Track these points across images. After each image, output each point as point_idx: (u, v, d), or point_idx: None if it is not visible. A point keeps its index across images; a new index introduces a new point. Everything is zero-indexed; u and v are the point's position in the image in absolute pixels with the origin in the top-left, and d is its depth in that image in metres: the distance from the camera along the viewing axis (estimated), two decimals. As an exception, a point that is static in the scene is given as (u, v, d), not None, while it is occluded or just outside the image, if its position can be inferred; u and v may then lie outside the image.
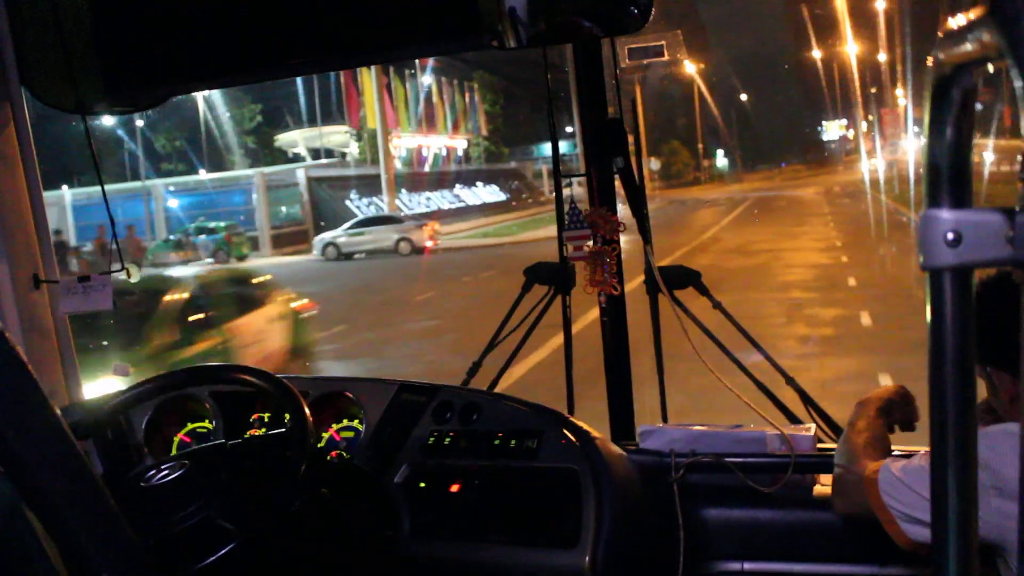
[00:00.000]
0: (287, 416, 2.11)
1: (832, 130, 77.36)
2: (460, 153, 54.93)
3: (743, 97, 79.02)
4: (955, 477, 0.68)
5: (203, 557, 1.64)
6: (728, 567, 2.19)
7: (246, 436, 2.37)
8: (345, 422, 2.36)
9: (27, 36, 2.37)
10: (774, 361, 2.55)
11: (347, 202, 41.18)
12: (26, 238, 2.46)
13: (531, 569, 1.94)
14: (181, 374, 2.19)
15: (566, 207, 2.43)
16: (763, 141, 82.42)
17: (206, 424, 2.42)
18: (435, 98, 50.56)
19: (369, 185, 42.08)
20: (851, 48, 53.31)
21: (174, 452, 2.40)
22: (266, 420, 2.39)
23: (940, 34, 0.67)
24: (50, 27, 2.35)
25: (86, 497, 1.10)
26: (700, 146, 72.05)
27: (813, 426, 2.28)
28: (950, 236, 0.64)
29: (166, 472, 1.86)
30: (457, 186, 49.63)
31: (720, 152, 78.25)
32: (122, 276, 2.55)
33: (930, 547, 0.70)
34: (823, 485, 2.21)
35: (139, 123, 39.97)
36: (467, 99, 54.26)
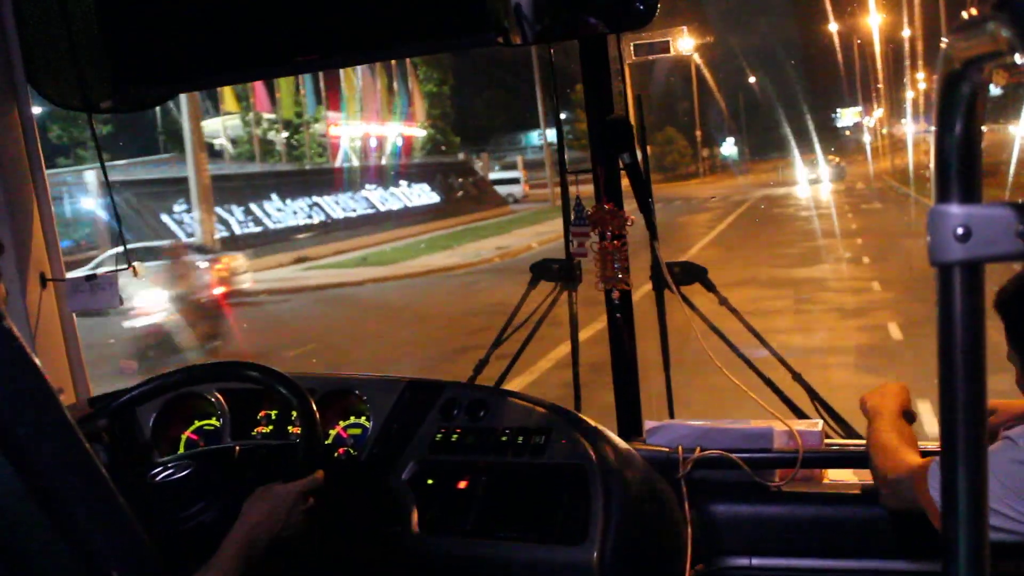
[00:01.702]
0: (294, 414, 2.12)
1: (847, 116, 69.31)
2: (389, 143, 42.14)
3: (751, 80, 67.58)
4: (966, 471, 0.68)
5: (210, 555, 1.64)
6: (736, 562, 2.19)
7: (253, 434, 2.38)
8: (352, 419, 2.36)
9: (34, 35, 2.37)
10: (781, 357, 2.55)
11: (167, 216, 27.08)
12: (33, 237, 2.47)
13: (539, 565, 1.94)
14: (188, 372, 2.19)
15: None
16: (772, 128, 72.69)
17: (213, 422, 2.43)
18: (349, 76, 38.04)
19: (222, 190, 27.28)
20: (874, 20, 46.23)
21: (181, 450, 2.41)
22: (273, 418, 2.39)
23: (951, 28, 0.67)
24: (56, 26, 2.35)
25: (95, 494, 1.11)
26: (698, 133, 60.44)
27: (820, 422, 2.28)
28: (960, 231, 0.64)
29: (172, 471, 1.88)
30: (369, 187, 35.93)
31: (731, 140, 68.85)
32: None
33: (942, 540, 0.70)
34: (831, 480, 2.21)
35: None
36: (397, 77, 41.91)
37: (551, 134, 57.26)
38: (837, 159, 48.28)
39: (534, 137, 59.44)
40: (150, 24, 2.36)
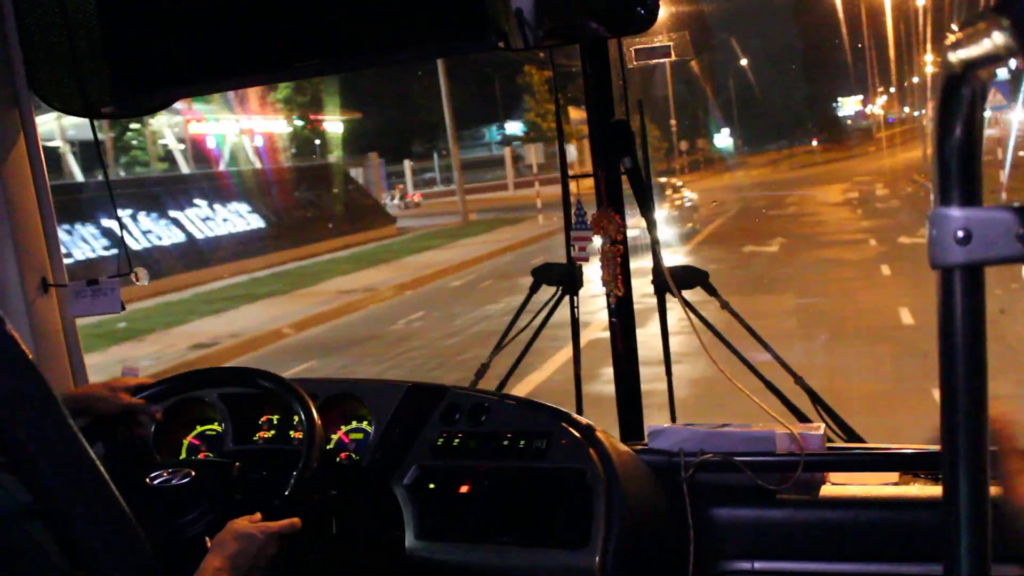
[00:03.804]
0: (296, 418, 2.12)
1: (848, 105, 64.92)
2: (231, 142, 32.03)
3: (743, 62, 57.13)
4: (967, 474, 0.68)
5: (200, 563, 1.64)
6: (738, 566, 2.18)
7: (255, 439, 2.38)
8: (354, 424, 2.36)
9: (35, 41, 2.38)
10: (783, 360, 2.55)
11: None
12: (35, 242, 2.47)
13: (541, 570, 1.94)
14: (191, 377, 2.20)
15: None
16: (765, 118, 64.14)
17: (215, 427, 2.43)
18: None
19: None
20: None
21: (183, 455, 2.41)
22: (275, 423, 2.40)
23: (949, 33, 0.67)
24: (58, 32, 2.35)
25: (96, 498, 1.11)
26: (673, 123, 48.00)
27: (822, 425, 2.28)
28: (960, 234, 0.64)
29: (171, 477, 1.88)
30: (122, 213, 9.64)
31: (726, 131, 58.44)
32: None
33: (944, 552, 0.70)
34: (833, 484, 2.21)
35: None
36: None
37: (505, 131, 50.86)
38: (677, 183, 27.45)
39: (494, 132, 52.95)
40: (151, 30, 2.36)
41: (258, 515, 1.78)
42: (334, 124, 38.10)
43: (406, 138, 45.21)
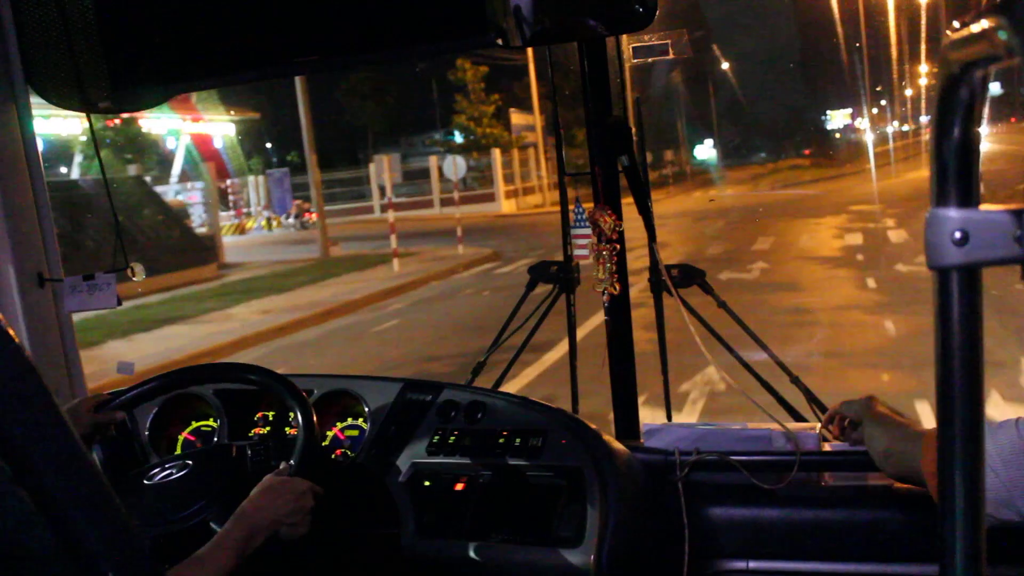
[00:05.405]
0: (292, 415, 2.12)
1: (837, 118, 61.53)
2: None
3: (724, 66, 50.99)
4: (962, 476, 0.68)
5: None
6: (733, 565, 2.18)
7: (250, 435, 2.38)
8: (349, 420, 2.36)
9: (32, 35, 2.37)
10: (778, 359, 2.55)
11: None
12: (31, 237, 2.47)
13: (536, 568, 1.94)
14: (185, 372, 2.20)
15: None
16: (749, 128, 60.16)
17: (210, 423, 2.43)
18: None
19: None
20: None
21: (178, 451, 2.41)
22: (270, 419, 2.40)
23: (948, 31, 0.67)
24: (56, 26, 2.35)
25: (91, 495, 1.11)
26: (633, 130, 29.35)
27: (818, 424, 2.28)
28: (957, 235, 0.64)
29: (169, 471, 1.88)
30: None
31: (709, 142, 53.96)
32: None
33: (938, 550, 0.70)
34: (828, 483, 2.21)
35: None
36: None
37: (439, 137, 44.72)
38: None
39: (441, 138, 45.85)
40: (149, 24, 2.36)
41: (285, 466, 1.82)
42: (223, 125, 31.05)
43: (331, 144, 37.51)
